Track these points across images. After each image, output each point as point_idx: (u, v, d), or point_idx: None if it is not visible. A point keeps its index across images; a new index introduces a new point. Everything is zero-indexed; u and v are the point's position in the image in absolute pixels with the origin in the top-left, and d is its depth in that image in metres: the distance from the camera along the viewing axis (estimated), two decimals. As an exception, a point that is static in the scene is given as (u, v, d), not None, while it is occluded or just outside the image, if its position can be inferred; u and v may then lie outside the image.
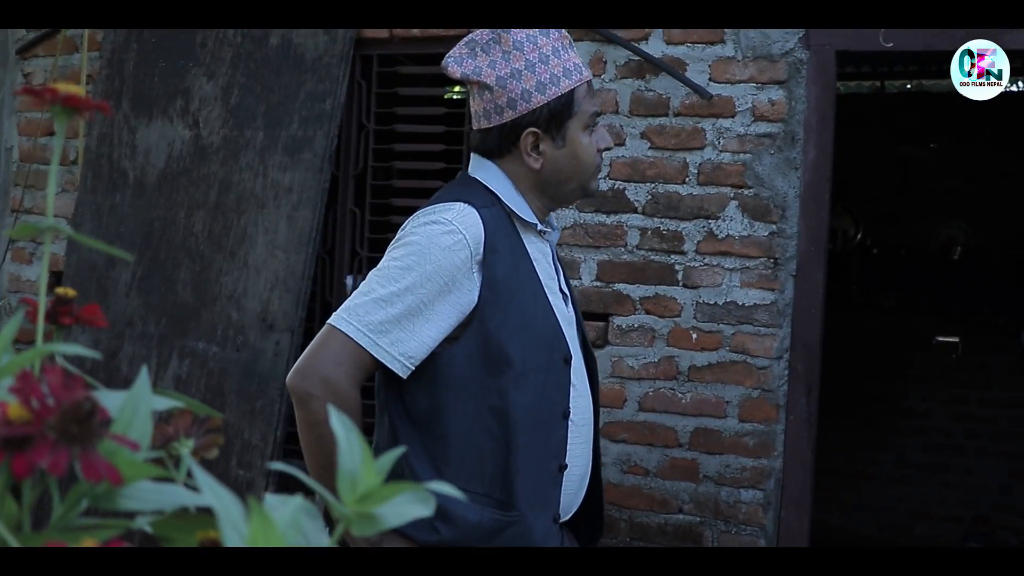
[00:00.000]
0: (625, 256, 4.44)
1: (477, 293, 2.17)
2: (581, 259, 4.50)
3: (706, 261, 4.32)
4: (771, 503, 4.21)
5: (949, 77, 7.97)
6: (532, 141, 2.27)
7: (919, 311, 7.72)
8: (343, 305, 2.17)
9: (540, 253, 2.34)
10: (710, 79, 4.33)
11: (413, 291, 2.12)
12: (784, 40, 4.23)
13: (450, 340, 2.18)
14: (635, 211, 4.42)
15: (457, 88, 6.42)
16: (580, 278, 4.49)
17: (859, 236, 7.86)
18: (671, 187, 4.38)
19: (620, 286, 4.45)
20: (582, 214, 4.49)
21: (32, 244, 5.50)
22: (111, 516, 0.80)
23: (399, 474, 2.17)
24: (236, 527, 0.73)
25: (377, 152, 5.02)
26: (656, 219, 4.39)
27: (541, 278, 2.29)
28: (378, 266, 2.21)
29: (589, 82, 2.33)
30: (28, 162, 5.47)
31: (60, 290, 0.99)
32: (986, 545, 7.20)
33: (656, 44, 4.40)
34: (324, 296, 5.07)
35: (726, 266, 4.29)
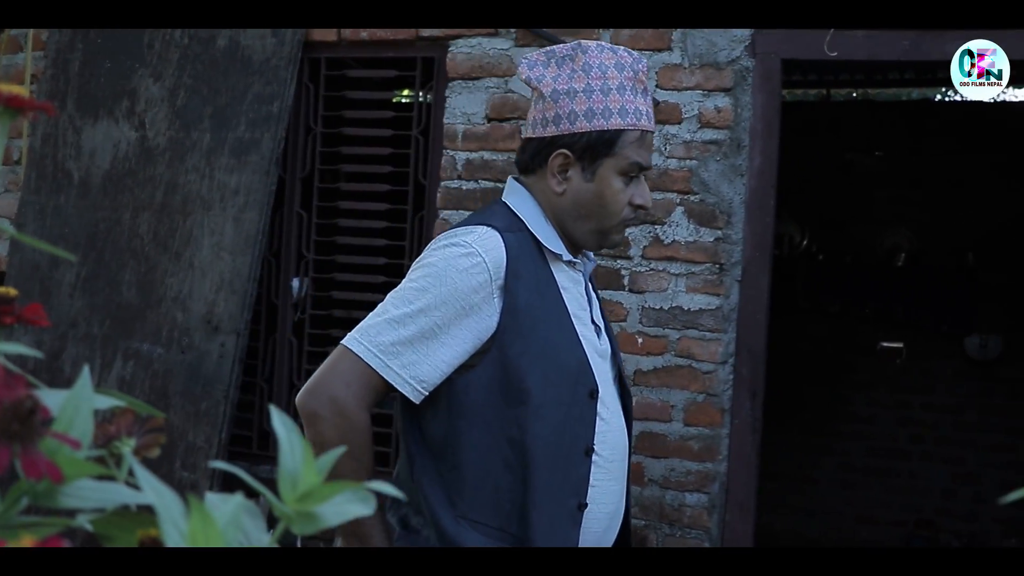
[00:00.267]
0: (572, 260, 4.45)
1: (496, 319, 2.10)
2: (529, 263, 4.51)
3: (652, 266, 4.34)
4: (716, 507, 4.24)
5: (894, 86, 8.01)
6: (560, 163, 2.19)
7: (864, 317, 7.81)
8: (357, 325, 2.12)
9: (571, 282, 2.25)
10: (657, 86, 4.36)
11: (427, 313, 2.07)
12: (730, 48, 4.26)
13: (467, 367, 2.11)
14: (583, 216, 4.44)
15: (406, 91, 6.42)
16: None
17: (805, 242, 7.93)
18: (618, 192, 4.39)
19: (567, 290, 4.46)
20: (530, 218, 4.50)
21: (-26, 245, 5.44)
22: (52, 514, 0.80)
23: (415, 500, 2.15)
24: (176, 524, 0.73)
25: (324, 155, 5.01)
26: (603, 224, 4.41)
27: (569, 308, 2.20)
28: (394, 289, 2.16)
29: (644, 133, 2.21)
30: (-29, 162, 5.41)
31: (2, 289, 0.99)
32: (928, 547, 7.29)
33: (604, 50, 4.42)
34: (270, 298, 5.06)
35: (672, 271, 4.31)
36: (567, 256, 2.23)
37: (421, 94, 4.87)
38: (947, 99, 8.95)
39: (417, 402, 2.11)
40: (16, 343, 0.87)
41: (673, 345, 4.30)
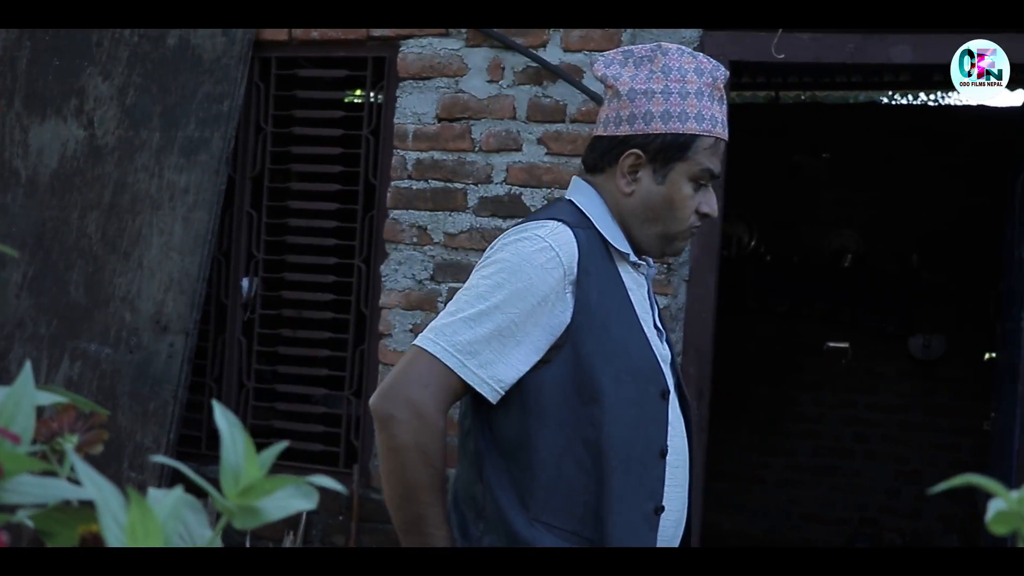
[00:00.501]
0: (522, 261, 4.47)
1: (569, 315, 2.04)
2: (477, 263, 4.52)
3: (601, 266, 4.37)
4: (663, 505, 4.27)
5: (841, 88, 8.08)
6: (631, 163, 2.13)
7: (810, 317, 7.88)
8: (429, 325, 2.05)
9: (635, 284, 2.19)
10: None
11: (503, 310, 2.00)
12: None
13: (540, 364, 2.04)
14: (532, 216, 4.46)
15: (358, 91, 6.41)
16: (477, 282, 4.52)
17: (753, 243, 7.99)
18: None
19: (516, 290, 4.48)
20: (479, 218, 4.53)
21: (-81, 243, 5.38)
22: (-8, 509, 0.81)
23: (479, 504, 2.09)
24: (116, 518, 0.74)
25: (275, 154, 5.00)
26: (552, 224, 4.43)
27: (636, 309, 2.15)
28: (465, 285, 2.08)
29: (718, 141, 2.17)
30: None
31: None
32: (872, 545, 7.37)
33: (554, 51, 4.45)
34: (219, 298, 5.04)
35: (621, 271, 4.34)
36: (634, 257, 2.19)
37: (372, 94, 4.87)
38: (893, 102, 9.05)
39: (494, 402, 2.04)
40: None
41: (621, 345, 4.32)
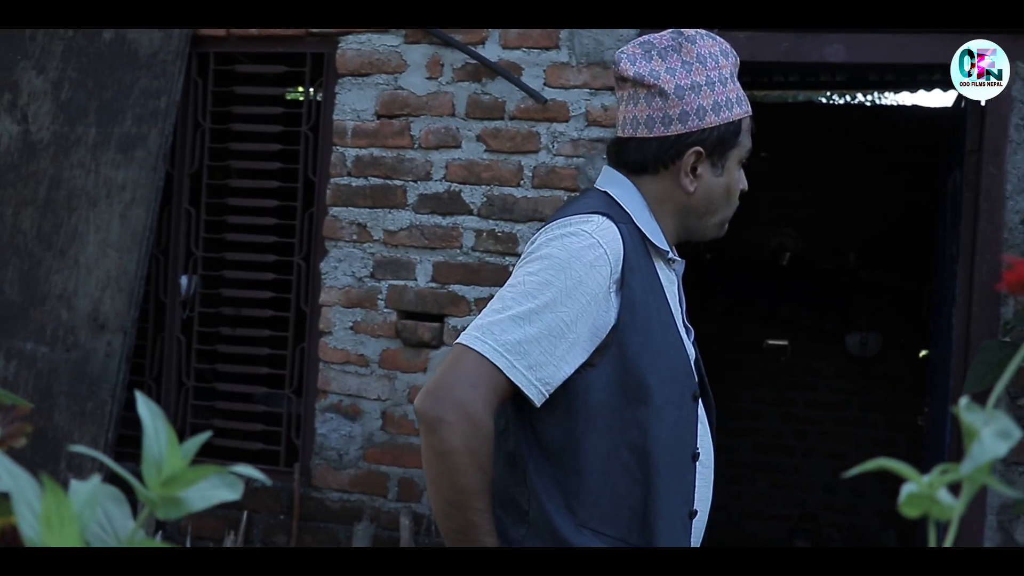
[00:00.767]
0: (461, 258, 4.49)
1: (614, 314, 1.96)
2: (417, 260, 4.53)
3: (540, 263, 4.38)
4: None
5: (779, 88, 8.13)
6: (694, 161, 2.08)
7: (750, 315, 7.95)
8: (473, 324, 1.95)
9: (668, 281, 2.13)
10: (545, 84, 4.41)
11: (552, 309, 1.91)
12: (617, 47, 4.32)
13: (588, 365, 1.96)
14: (471, 213, 4.48)
15: (300, 88, 6.38)
16: (416, 279, 4.53)
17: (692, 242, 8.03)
18: (506, 190, 4.44)
19: (455, 287, 4.49)
20: (418, 215, 4.53)
21: None
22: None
23: (520, 507, 2.01)
24: (31, 507, 0.74)
25: (213, 151, 4.97)
26: (491, 221, 4.45)
27: (671, 307, 2.10)
28: (509, 282, 1.99)
29: (751, 117, 2.16)
30: None
31: None
32: (812, 541, 7.45)
33: (492, 48, 4.46)
34: (158, 296, 5.01)
35: (560, 268, 4.36)
36: (672, 254, 2.14)
37: (311, 90, 4.86)
38: (831, 102, 9.15)
39: (539, 405, 1.95)
40: None
41: (560, 342, 4.33)
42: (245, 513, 4.68)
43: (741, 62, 2.19)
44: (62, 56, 4.85)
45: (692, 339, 2.19)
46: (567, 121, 4.38)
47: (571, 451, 1.98)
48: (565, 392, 1.96)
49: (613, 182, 2.13)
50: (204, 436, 0.92)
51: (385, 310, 4.59)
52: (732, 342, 7.92)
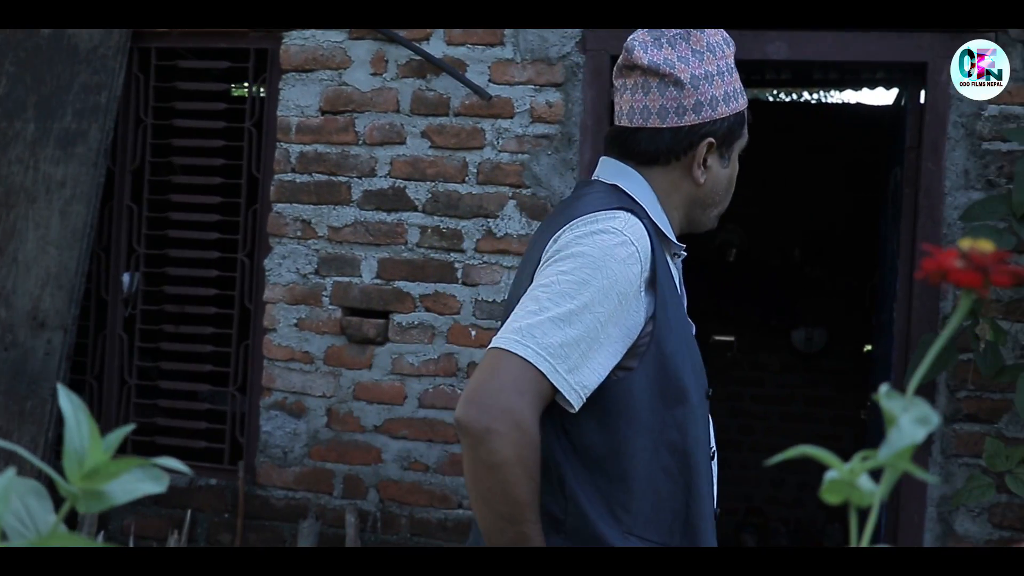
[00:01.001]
0: (405, 254, 4.48)
1: (644, 314, 1.90)
2: (362, 257, 4.51)
3: (485, 259, 4.39)
4: (547, 497, 4.29)
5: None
6: (707, 151, 2.04)
7: (696, 311, 7.96)
8: (508, 327, 1.84)
9: (676, 274, 2.08)
10: (489, 80, 4.40)
11: (591, 309, 1.83)
12: (561, 44, 4.33)
13: (625, 368, 1.90)
14: (415, 209, 4.47)
15: (244, 84, 6.34)
16: (360, 276, 4.51)
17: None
18: (451, 186, 4.43)
19: (400, 284, 4.48)
20: (363, 212, 4.51)
21: None
22: None
23: (556, 516, 1.92)
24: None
25: (155, 147, 4.93)
26: (436, 217, 4.45)
27: (682, 302, 2.05)
28: (542, 282, 1.89)
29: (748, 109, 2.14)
30: None
31: None
32: (759, 534, 7.51)
33: (437, 44, 4.45)
34: (99, 294, 4.96)
35: (504, 264, 4.36)
36: (678, 247, 2.09)
37: (255, 86, 4.83)
38: (776, 100, 9.21)
39: (576, 410, 1.86)
40: None
41: (505, 338, 4.33)
42: (189, 512, 4.65)
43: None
44: None
45: (694, 333, 2.12)
46: (512, 117, 4.37)
47: (616, 457, 1.91)
48: (603, 395, 1.88)
49: (621, 174, 2.07)
50: (127, 428, 0.91)
51: (330, 307, 4.57)
52: (679, 338, 7.95)
